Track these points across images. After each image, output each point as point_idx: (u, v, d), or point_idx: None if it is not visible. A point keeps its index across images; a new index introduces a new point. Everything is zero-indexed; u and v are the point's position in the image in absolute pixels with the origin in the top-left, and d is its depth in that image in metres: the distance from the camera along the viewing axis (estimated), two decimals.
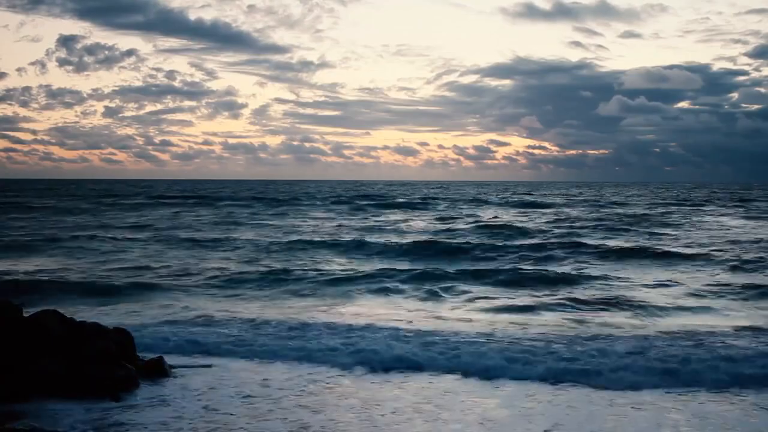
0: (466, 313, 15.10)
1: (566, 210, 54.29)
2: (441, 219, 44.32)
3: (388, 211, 54.38)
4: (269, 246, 27.66)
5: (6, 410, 8.41)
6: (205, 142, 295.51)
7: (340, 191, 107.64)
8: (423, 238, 30.93)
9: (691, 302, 16.29)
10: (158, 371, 10.02)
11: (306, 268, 21.62)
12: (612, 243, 28.51)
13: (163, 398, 9.11)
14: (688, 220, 42.77)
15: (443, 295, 17.42)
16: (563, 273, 20.76)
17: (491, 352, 11.11)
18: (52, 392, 8.96)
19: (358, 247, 27.36)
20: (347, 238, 30.77)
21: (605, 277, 19.95)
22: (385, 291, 17.92)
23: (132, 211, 52.62)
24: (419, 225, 39.70)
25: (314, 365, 10.89)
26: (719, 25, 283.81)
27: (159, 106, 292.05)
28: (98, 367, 9.29)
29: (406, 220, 43.59)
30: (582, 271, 21.46)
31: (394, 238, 31.02)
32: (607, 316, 14.65)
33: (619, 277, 20.03)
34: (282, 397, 9.21)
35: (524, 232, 33.55)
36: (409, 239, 30.24)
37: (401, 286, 18.43)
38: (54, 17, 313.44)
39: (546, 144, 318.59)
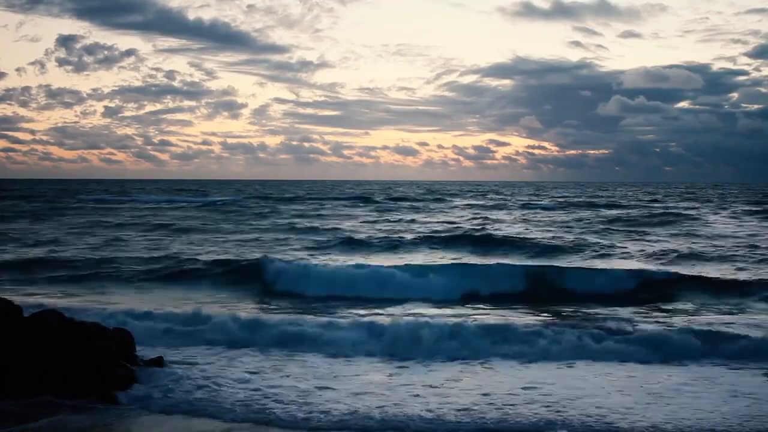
0: None
1: None
2: None
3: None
4: None
5: (6, 410, 8.39)
6: (205, 142, 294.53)
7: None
8: None
9: None
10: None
11: None
12: None
13: (161, 399, 9.05)
14: None
15: None
16: None
17: None
18: (52, 392, 8.93)
19: None
20: None
21: None
22: None
23: None
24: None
25: None
26: (719, 24, 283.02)
27: (158, 106, 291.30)
28: (98, 367, 9.27)
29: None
30: None
31: None
32: None
33: None
34: None
35: None
36: None
37: None
38: (53, 17, 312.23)
39: (546, 144, 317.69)
